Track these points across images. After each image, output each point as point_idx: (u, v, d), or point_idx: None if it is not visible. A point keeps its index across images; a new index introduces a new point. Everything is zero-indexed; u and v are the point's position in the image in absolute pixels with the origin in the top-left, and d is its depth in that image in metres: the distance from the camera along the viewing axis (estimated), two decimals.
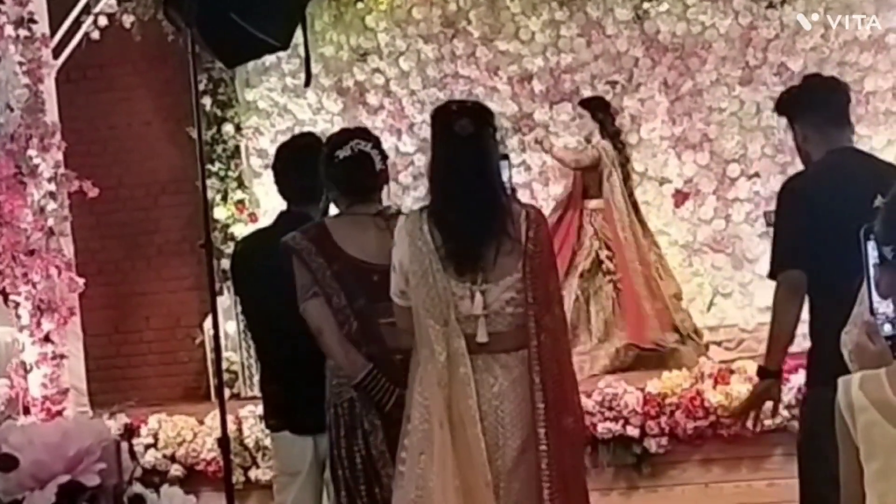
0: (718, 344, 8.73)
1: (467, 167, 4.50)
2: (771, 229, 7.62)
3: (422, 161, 9.30)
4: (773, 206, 8.64)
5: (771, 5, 9.04)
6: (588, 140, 8.84)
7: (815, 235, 4.61)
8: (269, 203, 8.81)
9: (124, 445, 2.06)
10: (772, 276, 4.84)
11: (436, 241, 4.44)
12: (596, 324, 8.72)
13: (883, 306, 2.54)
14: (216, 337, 5.89)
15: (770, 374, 4.90)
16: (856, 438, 2.43)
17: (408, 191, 9.69)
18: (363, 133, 5.14)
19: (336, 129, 9.36)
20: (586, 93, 9.17)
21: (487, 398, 4.43)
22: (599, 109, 8.78)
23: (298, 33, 6.04)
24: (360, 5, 9.36)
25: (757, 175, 9.12)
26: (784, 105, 5.30)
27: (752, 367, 7.83)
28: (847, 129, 5.11)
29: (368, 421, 4.83)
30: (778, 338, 4.78)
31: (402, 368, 4.73)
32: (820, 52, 9.03)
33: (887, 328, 2.56)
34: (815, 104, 5.04)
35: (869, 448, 2.41)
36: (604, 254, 8.75)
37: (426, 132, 9.34)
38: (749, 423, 5.36)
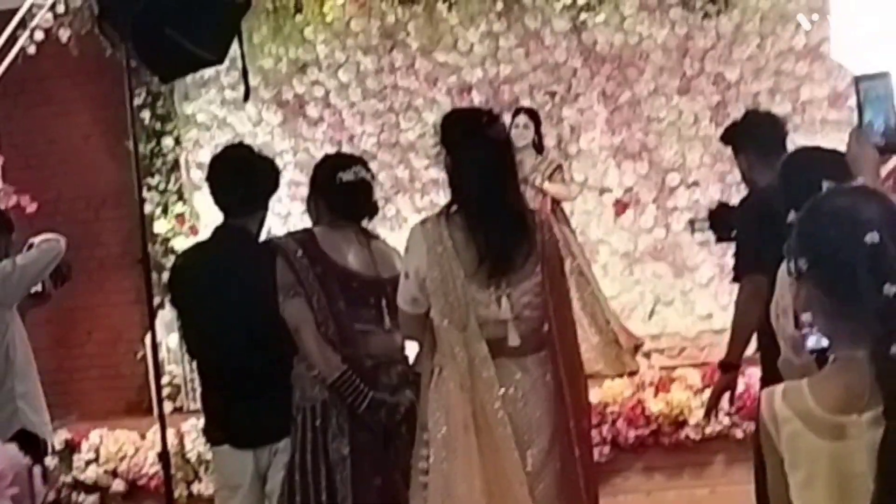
0: (661, 352, 8.77)
1: (503, 172, 4.53)
2: (696, 235, 7.96)
3: None
4: (701, 215, 8.78)
5: (707, 15, 9.09)
6: None
7: (773, 246, 4.82)
8: (210, 216, 8.73)
9: (37, 470, 2.05)
10: (736, 279, 5.30)
11: (457, 246, 4.46)
12: None
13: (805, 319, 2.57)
14: (154, 352, 5.91)
15: (732, 368, 5.40)
16: (780, 449, 2.45)
17: None
18: (363, 161, 5.25)
19: (276, 141, 9.44)
20: (525, 103, 9.17)
21: (511, 400, 4.45)
22: (539, 123, 8.65)
23: (235, 46, 6.04)
24: (298, 18, 9.34)
25: (696, 184, 9.18)
26: (731, 137, 5.97)
27: (693, 376, 7.89)
28: None
29: (338, 424, 4.86)
30: (739, 335, 5.29)
31: (373, 373, 4.87)
32: (756, 61, 9.09)
33: (811, 341, 2.59)
34: (760, 138, 5.68)
35: (793, 458, 2.44)
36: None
37: (367, 143, 9.41)
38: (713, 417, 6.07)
